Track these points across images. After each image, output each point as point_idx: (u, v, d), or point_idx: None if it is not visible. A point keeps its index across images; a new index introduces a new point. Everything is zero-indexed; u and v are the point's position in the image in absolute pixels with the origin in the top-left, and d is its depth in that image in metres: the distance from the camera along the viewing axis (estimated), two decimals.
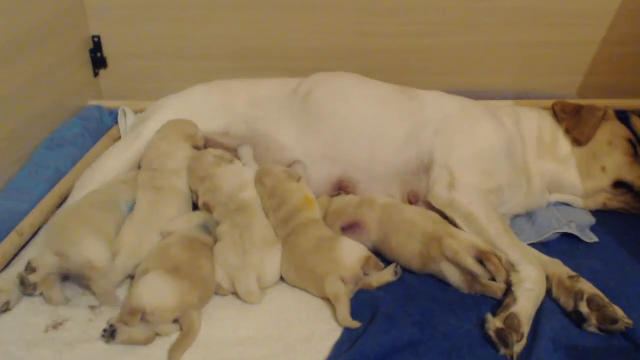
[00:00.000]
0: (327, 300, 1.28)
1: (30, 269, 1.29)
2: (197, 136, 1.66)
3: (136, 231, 1.38)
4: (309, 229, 1.39)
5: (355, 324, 1.21)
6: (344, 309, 1.23)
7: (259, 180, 1.53)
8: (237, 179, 1.53)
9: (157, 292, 1.20)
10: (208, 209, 1.49)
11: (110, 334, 1.16)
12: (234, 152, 1.67)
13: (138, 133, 1.71)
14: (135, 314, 1.16)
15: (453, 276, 1.32)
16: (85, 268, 1.26)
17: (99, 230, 1.33)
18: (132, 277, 1.33)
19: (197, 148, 1.65)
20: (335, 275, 1.27)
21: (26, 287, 1.28)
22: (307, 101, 1.69)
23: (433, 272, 1.36)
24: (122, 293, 1.32)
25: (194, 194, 1.53)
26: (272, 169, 1.56)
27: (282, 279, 1.38)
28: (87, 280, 1.28)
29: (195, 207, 1.54)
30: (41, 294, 1.30)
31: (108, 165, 1.62)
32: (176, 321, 1.21)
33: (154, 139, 1.63)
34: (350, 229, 1.46)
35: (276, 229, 1.44)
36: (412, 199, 1.56)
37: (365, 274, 1.33)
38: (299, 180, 1.54)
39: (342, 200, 1.55)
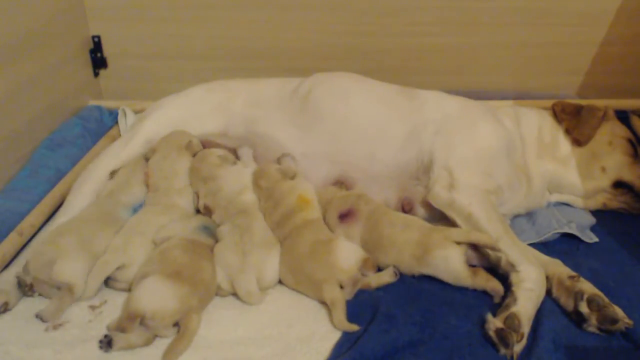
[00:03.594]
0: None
1: (27, 269, 1.29)
2: (193, 144, 1.62)
3: (123, 234, 1.39)
4: (304, 232, 1.38)
5: (352, 327, 1.20)
6: (341, 313, 1.22)
7: (256, 182, 1.52)
8: (238, 181, 1.52)
9: (157, 296, 1.19)
10: (208, 211, 1.48)
11: (106, 344, 1.15)
12: (232, 152, 1.65)
13: (134, 132, 1.71)
14: (134, 318, 1.15)
15: (455, 263, 1.29)
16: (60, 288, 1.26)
17: (83, 249, 1.32)
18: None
19: (194, 154, 1.60)
20: (333, 281, 1.26)
21: (23, 287, 1.28)
22: (307, 101, 1.68)
23: (426, 265, 1.33)
24: (120, 299, 1.30)
25: (195, 196, 1.53)
26: (266, 169, 1.54)
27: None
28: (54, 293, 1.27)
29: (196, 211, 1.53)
30: (40, 294, 1.30)
31: (104, 165, 1.61)
32: (176, 324, 1.19)
33: (155, 158, 1.58)
34: (347, 217, 1.45)
35: (273, 232, 1.43)
36: (406, 207, 1.55)
37: (363, 275, 1.32)
38: (293, 177, 1.50)
39: (347, 192, 1.55)
